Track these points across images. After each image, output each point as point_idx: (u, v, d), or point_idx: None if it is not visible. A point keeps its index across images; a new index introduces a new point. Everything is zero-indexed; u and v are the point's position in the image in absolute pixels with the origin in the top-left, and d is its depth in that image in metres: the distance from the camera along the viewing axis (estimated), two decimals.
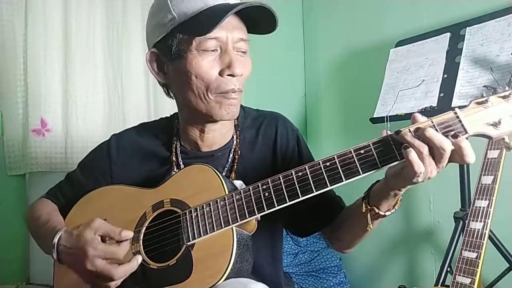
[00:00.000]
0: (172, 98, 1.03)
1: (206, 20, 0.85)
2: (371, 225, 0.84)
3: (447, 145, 0.69)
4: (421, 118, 0.73)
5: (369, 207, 0.83)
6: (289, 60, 2.69)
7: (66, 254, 0.86)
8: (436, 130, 0.71)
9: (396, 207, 0.83)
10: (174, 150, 1.02)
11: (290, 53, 2.70)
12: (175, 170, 0.99)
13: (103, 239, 0.84)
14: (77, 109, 1.93)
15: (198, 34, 0.87)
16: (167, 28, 0.90)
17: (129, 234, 0.85)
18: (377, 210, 0.82)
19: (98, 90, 2.00)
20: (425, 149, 0.70)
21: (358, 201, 0.88)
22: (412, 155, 0.70)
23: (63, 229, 0.89)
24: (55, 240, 0.87)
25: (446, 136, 0.70)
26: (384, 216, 0.83)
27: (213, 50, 0.89)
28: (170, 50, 0.91)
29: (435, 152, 0.70)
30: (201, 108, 0.93)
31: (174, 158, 1.01)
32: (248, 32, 0.94)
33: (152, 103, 2.13)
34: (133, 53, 2.08)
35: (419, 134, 0.71)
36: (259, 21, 0.91)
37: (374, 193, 0.83)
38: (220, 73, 0.90)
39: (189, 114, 0.99)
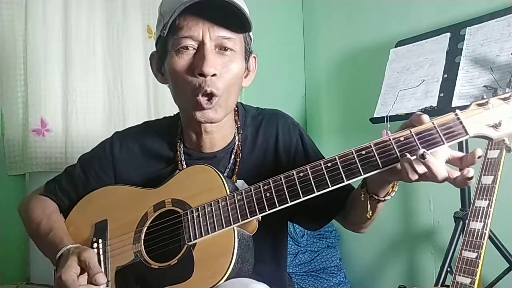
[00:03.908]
0: None
1: (171, 18, 0.85)
2: (370, 212, 0.86)
3: (443, 174, 0.72)
4: (426, 119, 0.73)
5: (368, 195, 0.85)
6: (289, 60, 2.69)
7: (56, 272, 0.87)
8: (437, 131, 0.72)
9: (394, 190, 0.84)
10: (177, 151, 1.02)
11: (290, 53, 2.70)
12: (175, 171, 0.99)
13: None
14: (77, 109, 1.92)
15: (163, 33, 0.88)
16: (158, 30, 0.92)
17: (102, 280, 0.82)
18: (376, 197, 0.84)
19: (98, 90, 1.99)
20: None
21: (357, 188, 0.90)
22: (406, 164, 0.72)
23: (67, 247, 0.89)
24: (57, 256, 0.89)
25: (448, 139, 0.71)
26: (384, 200, 0.85)
27: (188, 49, 0.88)
28: (159, 51, 0.94)
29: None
30: (184, 109, 0.93)
31: (177, 159, 1.01)
32: (242, 30, 0.91)
33: (152, 103, 2.13)
34: (133, 53, 2.08)
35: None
36: (239, 18, 0.88)
37: (371, 182, 0.85)
38: (192, 72, 0.87)
39: (183, 116, 1.00)
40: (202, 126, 0.95)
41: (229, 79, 0.90)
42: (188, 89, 0.89)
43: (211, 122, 0.92)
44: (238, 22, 0.88)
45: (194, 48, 0.88)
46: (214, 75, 0.87)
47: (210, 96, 0.88)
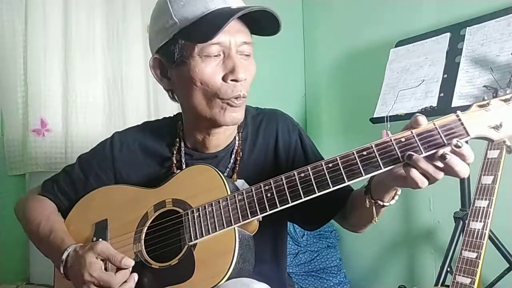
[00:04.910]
0: (177, 102, 1.01)
1: (208, 26, 0.84)
2: (376, 218, 0.86)
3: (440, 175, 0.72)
4: (424, 121, 0.74)
5: (373, 200, 0.84)
6: (289, 60, 2.69)
7: (70, 272, 0.89)
8: (438, 132, 0.72)
9: (398, 194, 0.85)
10: (177, 152, 1.02)
11: (290, 53, 2.70)
12: (175, 171, 0.99)
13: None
14: (77, 109, 1.92)
15: (200, 41, 0.86)
16: (169, 33, 0.89)
17: (130, 263, 0.86)
18: (380, 203, 0.84)
19: (98, 90, 1.99)
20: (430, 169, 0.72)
21: (360, 193, 0.89)
22: (415, 173, 0.72)
23: (71, 247, 0.90)
24: (64, 257, 0.89)
25: (449, 140, 0.71)
26: (389, 205, 0.85)
27: (216, 56, 0.88)
28: (173, 56, 0.90)
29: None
30: (205, 114, 0.92)
31: (177, 159, 1.01)
32: (252, 33, 0.92)
33: (152, 103, 2.13)
34: (133, 53, 2.08)
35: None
36: (262, 24, 0.90)
37: (375, 188, 0.85)
38: (224, 79, 0.88)
39: (193, 119, 0.99)
40: (212, 130, 0.97)
41: (250, 81, 0.93)
42: (215, 94, 0.89)
43: (236, 124, 0.95)
44: (276, 26, 0.90)
45: (220, 54, 0.89)
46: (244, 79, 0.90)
47: (242, 99, 0.91)
